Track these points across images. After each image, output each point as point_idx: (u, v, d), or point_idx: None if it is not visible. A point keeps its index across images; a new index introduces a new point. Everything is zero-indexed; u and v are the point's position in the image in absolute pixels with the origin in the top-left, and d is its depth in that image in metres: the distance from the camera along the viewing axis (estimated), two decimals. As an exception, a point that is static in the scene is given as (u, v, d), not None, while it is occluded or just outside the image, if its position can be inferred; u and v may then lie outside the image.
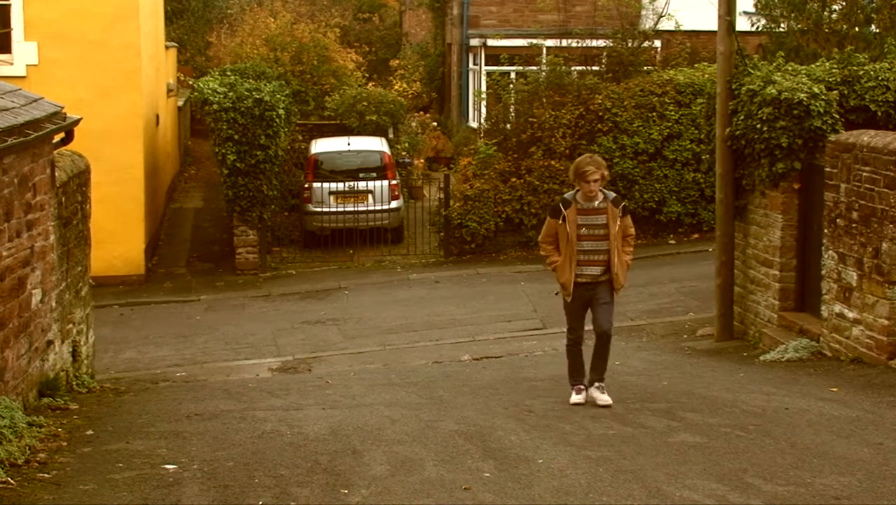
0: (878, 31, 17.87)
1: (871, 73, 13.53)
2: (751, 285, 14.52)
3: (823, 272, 12.40)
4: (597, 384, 10.33)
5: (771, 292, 13.94)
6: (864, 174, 11.50)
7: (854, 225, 11.70)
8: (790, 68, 14.04)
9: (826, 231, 12.34)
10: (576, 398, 10.35)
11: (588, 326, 10.46)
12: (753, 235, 14.43)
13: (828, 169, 12.32)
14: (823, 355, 12.33)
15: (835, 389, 10.46)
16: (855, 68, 13.68)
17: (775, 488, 7.30)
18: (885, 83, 13.39)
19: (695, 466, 7.84)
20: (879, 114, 13.33)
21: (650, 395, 10.68)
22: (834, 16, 18.17)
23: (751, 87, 13.74)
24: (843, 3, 18.15)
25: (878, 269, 11.25)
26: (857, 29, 17.77)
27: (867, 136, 11.73)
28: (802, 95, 13.08)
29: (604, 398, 10.19)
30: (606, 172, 10.24)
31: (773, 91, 13.28)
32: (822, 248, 12.44)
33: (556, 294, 10.54)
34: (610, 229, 10.16)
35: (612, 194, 10.41)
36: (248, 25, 32.79)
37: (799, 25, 18.08)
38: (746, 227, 14.60)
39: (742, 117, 13.87)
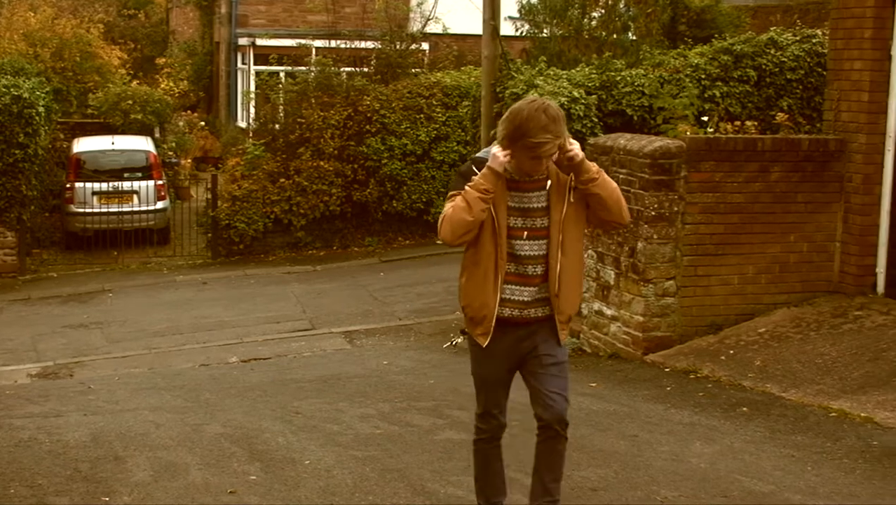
0: (634, 38, 18.53)
1: (628, 78, 14.03)
2: (515, 284, 14.82)
3: (584, 271, 12.75)
4: None
5: (534, 291, 14.26)
6: (621, 176, 11.90)
7: (612, 225, 12.08)
8: (552, 73, 14.43)
9: (586, 231, 12.69)
10: None
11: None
12: (517, 236, 14.73)
13: (587, 171, 12.68)
14: (584, 352, 12.70)
15: (594, 385, 10.79)
16: (613, 74, 14.17)
17: (536, 482, 7.48)
18: (641, 88, 13.91)
19: (459, 462, 7.96)
20: (635, 118, 13.84)
21: (417, 393, 10.79)
22: (594, 23, 18.71)
23: (514, 90, 14.06)
24: (602, 11, 18.71)
25: (634, 267, 11.67)
26: (615, 36, 18.35)
27: (624, 140, 12.15)
28: (563, 99, 13.46)
29: None
30: (566, 141, 5.81)
31: (536, 95, 13.61)
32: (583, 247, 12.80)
33: (455, 343, 6.44)
34: (551, 215, 6.02)
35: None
36: (4, 20, 31.56)
37: (560, 31, 18.54)
38: (511, 227, 14.90)
39: (506, 120, 14.14)
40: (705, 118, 13.55)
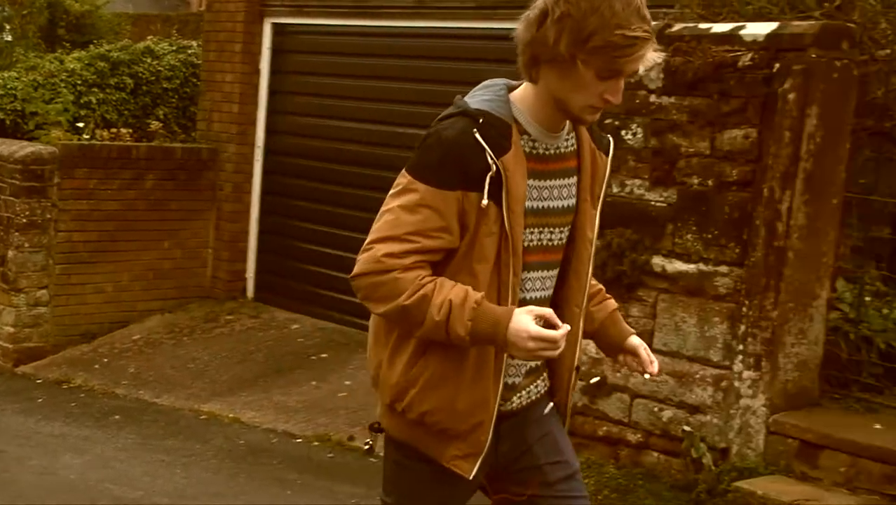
0: (10, 39, 17.94)
1: (0, 81, 13.54)
2: None
3: None
4: None
5: None
6: (-9, 182, 11.51)
7: (-19, 233, 11.65)
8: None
9: None
10: None
11: None
12: None
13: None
14: (-48, 366, 12.12)
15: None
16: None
17: None
18: (14, 92, 13.44)
19: None
20: (8, 122, 13.35)
21: None
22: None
23: None
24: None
25: (5, 277, 11.30)
26: (-12, 36, 17.69)
27: (-7, 145, 11.76)
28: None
29: None
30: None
31: None
32: None
33: (370, 447, 3.48)
34: (582, 224, 3.21)
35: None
36: None
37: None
38: None
39: None
40: (81, 124, 13.38)
